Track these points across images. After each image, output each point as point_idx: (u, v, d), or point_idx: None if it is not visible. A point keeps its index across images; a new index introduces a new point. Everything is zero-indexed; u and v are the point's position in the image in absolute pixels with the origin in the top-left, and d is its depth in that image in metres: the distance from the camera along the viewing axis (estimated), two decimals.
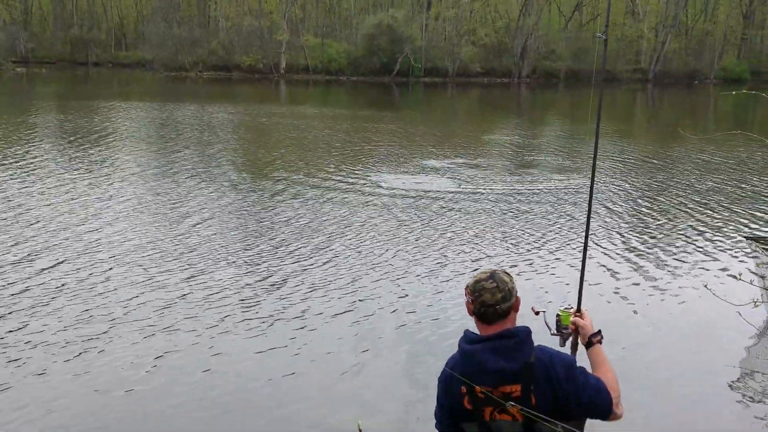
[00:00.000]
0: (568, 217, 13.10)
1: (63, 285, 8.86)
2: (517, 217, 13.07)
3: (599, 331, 3.28)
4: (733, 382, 6.56)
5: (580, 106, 47.77)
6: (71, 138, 22.52)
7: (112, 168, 17.35)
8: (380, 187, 15.62)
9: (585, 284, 3.76)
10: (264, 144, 23.63)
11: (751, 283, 5.60)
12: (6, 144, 20.73)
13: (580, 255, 9.56)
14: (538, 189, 15.85)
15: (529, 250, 10.85)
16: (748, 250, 8.13)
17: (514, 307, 3.06)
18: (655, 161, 20.74)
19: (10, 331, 7.45)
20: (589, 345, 3.26)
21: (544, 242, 11.32)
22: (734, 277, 5.39)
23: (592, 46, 71.03)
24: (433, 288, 9.10)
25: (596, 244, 11.19)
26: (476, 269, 9.66)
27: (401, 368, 6.86)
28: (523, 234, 11.82)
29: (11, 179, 15.42)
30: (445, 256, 10.48)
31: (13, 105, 36.30)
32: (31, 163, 17.78)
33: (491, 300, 3.00)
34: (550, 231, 12.02)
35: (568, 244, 11.20)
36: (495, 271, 3.09)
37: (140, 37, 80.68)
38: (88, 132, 24.13)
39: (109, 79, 61.57)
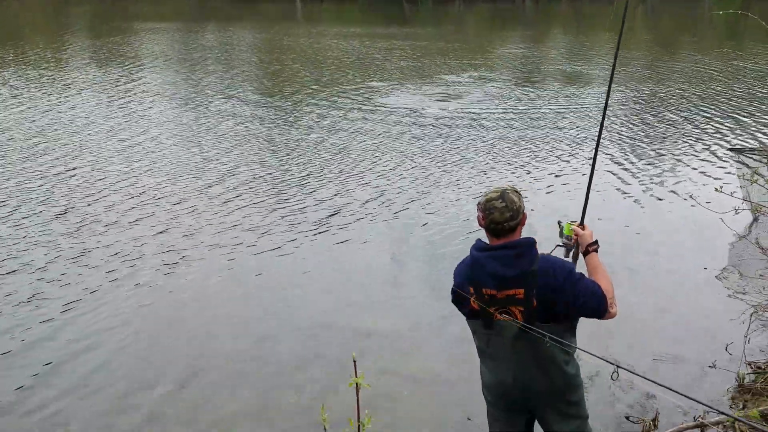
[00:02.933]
0: (579, 129, 13.27)
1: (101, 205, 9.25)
2: (531, 130, 13.24)
3: (596, 241, 3.49)
4: (714, 278, 6.90)
5: (585, 20, 46.81)
6: (104, 61, 22.50)
7: (143, 90, 17.46)
8: (402, 108, 15.68)
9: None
10: (288, 63, 23.53)
11: (731, 194, 5.82)
12: (42, 66, 20.81)
13: (588, 169, 9.87)
14: (550, 100, 15.92)
15: (539, 164, 11.09)
16: (731, 162, 8.31)
17: (521, 223, 3.23)
18: (655, 72, 20.59)
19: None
20: (586, 253, 3.49)
21: (556, 155, 11.52)
22: (717, 189, 5.55)
23: None
24: (448, 198, 9.44)
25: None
26: (487, 184, 9.95)
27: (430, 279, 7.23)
28: (536, 148, 12.02)
29: (45, 99, 15.66)
30: (461, 169, 10.76)
31: (48, 27, 35.97)
32: (64, 84, 17.94)
33: (500, 218, 3.16)
34: (562, 144, 12.21)
35: (577, 158, 11.42)
36: (505, 190, 3.20)
37: None
38: (120, 55, 24.03)
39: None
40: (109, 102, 15.79)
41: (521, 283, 3.10)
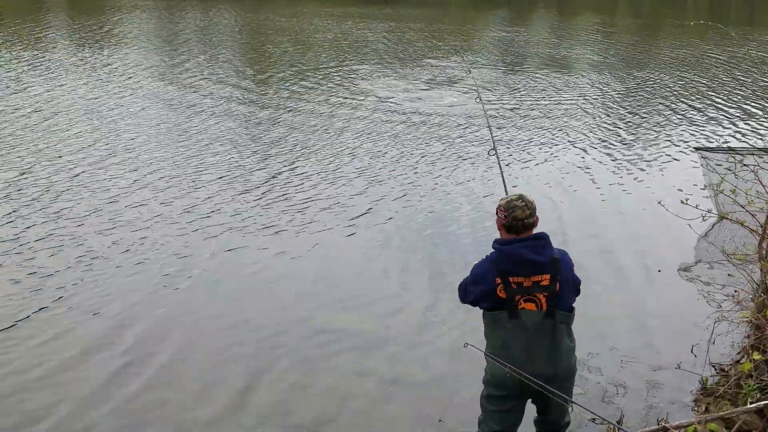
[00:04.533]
0: (565, 119, 13.40)
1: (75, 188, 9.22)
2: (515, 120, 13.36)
3: None
4: (680, 279, 7.10)
5: None
6: (82, 41, 22.22)
7: (125, 72, 17.31)
8: (384, 96, 15.72)
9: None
10: (269, 45, 23.38)
11: (697, 206, 5.98)
12: (20, 44, 20.55)
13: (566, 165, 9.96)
14: (533, 86, 16.03)
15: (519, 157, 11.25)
16: (697, 162, 8.43)
17: (535, 223, 3.77)
18: (631, 61, 20.76)
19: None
20: None
21: (540, 148, 11.69)
22: (683, 202, 5.71)
23: None
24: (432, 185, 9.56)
25: (557, 148, 11.58)
26: (473, 176, 10.10)
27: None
28: (517, 138, 12.17)
29: (25, 78, 15.52)
30: (445, 162, 10.87)
31: (24, 5, 35.37)
32: (42, 63, 17.75)
33: (522, 215, 3.69)
34: (547, 134, 12.36)
35: (563, 153, 11.58)
36: (522, 194, 3.80)
37: None
38: (100, 34, 23.74)
39: None
40: (87, 84, 15.66)
41: (549, 269, 3.66)
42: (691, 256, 7.53)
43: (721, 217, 6.05)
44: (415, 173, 10.32)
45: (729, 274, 6.83)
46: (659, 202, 6.24)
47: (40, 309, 6.33)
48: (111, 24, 26.17)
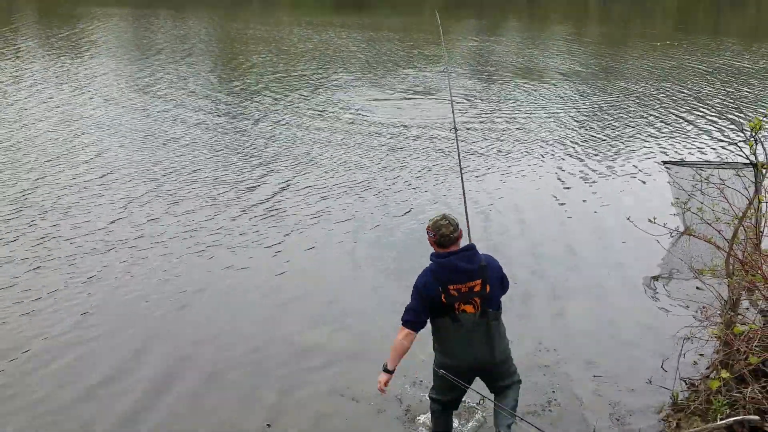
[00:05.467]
0: (540, 130, 13.53)
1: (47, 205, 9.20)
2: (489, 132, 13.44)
3: None
4: (650, 293, 7.23)
5: (538, 4, 47.23)
6: (55, 51, 21.99)
7: (95, 81, 17.17)
8: (360, 107, 15.74)
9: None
10: (244, 54, 23.30)
11: (664, 225, 6.08)
12: None
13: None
14: (506, 95, 16.16)
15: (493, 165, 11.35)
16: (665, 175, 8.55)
17: (460, 236, 4.38)
18: (603, 66, 21.04)
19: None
20: None
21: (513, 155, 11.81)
22: (651, 221, 5.83)
23: None
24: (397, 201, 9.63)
25: (528, 159, 11.72)
26: (449, 187, 10.19)
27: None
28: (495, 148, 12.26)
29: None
30: (425, 173, 10.94)
31: None
32: (11, 76, 17.60)
33: (447, 232, 4.33)
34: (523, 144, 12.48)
35: (538, 161, 11.71)
36: (445, 214, 4.42)
37: None
38: (71, 45, 23.46)
39: None
40: (61, 95, 15.54)
41: (479, 275, 4.29)
42: (661, 270, 7.67)
43: (687, 234, 6.15)
44: (395, 186, 10.38)
45: (698, 287, 6.95)
46: (628, 218, 6.32)
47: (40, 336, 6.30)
48: (84, 34, 25.96)
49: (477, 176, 10.90)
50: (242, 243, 8.30)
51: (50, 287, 7.14)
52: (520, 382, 4.65)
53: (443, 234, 4.32)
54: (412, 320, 4.35)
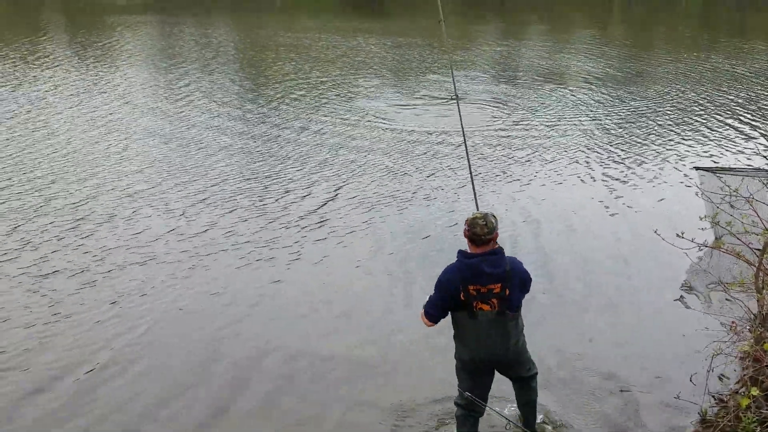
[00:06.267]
0: (564, 138, 13.47)
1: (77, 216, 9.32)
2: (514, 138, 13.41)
3: None
4: (678, 306, 7.20)
5: (558, 8, 46.97)
6: (74, 57, 22.32)
7: (133, 90, 17.38)
8: (384, 114, 15.77)
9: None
10: (269, 61, 23.43)
11: (692, 240, 6.04)
12: (21, 63, 20.64)
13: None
14: (530, 101, 16.10)
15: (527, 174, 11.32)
16: (697, 180, 8.44)
17: (494, 238, 4.52)
18: (626, 72, 20.86)
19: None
20: None
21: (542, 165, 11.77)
22: (679, 235, 5.79)
23: None
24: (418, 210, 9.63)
25: (554, 168, 11.64)
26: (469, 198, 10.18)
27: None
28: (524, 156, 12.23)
29: (30, 94, 15.59)
30: (447, 183, 10.94)
31: (22, 19, 35.47)
32: (45, 80, 17.90)
33: (480, 232, 4.46)
34: (549, 152, 12.44)
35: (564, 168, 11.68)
36: (486, 214, 4.55)
37: None
38: (103, 52, 23.79)
39: None
40: (104, 104, 15.79)
41: (502, 279, 4.44)
42: (689, 283, 7.60)
43: (716, 248, 6.10)
44: (412, 193, 10.39)
45: (727, 299, 6.91)
46: (655, 231, 6.29)
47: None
48: (116, 42, 26.31)
49: (521, 183, 10.92)
50: (289, 256, 8.34)
51: (107, 300, 7.22)
52: (536, 374, 4.93)
53: (475, 233, 4.49)
54: (432, 313, 4.62)
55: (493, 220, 4.54)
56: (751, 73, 21.02)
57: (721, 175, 8.18)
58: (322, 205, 9.89)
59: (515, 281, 4.52)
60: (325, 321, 6.97)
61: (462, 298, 4.46)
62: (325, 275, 7.93)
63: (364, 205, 9.93)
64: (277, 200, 10.10)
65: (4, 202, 9.77)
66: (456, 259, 4.58)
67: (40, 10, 39.34)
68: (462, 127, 6.25)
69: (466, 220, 4.58)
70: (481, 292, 4.44)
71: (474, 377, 4.70)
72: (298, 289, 7.56)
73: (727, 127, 14.44)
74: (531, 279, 4.73)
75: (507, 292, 4.46)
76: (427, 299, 4.65)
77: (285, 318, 7.00)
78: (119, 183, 10.65)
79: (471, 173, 6.01)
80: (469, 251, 4.56)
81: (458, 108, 6.88)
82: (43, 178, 10.79)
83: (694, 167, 9.14)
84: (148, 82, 18.71)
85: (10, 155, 11.90)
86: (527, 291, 4.71)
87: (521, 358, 4.77)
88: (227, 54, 24.42)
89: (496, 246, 4.54)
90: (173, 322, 6.90)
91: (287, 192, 10.41)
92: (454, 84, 8.09)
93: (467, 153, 6.72)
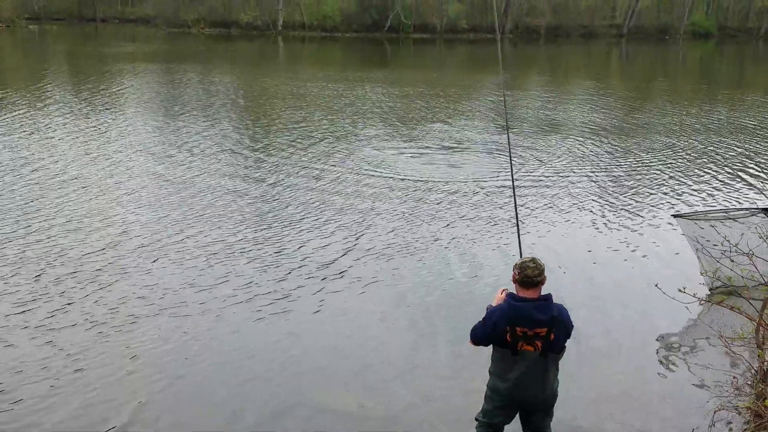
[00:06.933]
0: (563, 183, 13.60)
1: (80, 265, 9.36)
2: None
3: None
4: (678, 360, 7.21)
5: (557, 62, 47.72)
6: (83, 104, 22.65)
7: (124, 140, 17.58)
8: (385, 162, 15.97)
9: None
10: (269, 110, 23.77)
11: (694, 295, 6.09)
12: (24, 107, 20.96)
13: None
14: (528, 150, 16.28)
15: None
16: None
17: (543, 281, 4.71)
18: (622, 123, 21.14)
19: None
20: None
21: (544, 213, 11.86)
22: (681, 290, 5.84)
23: (572, 1, 71.15)
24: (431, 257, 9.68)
25: (558, 214, 11.79)
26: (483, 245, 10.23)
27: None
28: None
29: (31, 139, 15.78)
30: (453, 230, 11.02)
31: (29, 65, 36.11)
32: (45, 124, 18.17)
33: (532, 274, 4.66)
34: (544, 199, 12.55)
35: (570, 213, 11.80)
36: (534, 258, 4.77)
37: None
38: (98, 101, 24.09)
39: (114, 36, 60.79)
40: (88, 152, 15.96)
41: (548, 324, 4.62)
42: (690, 337, 7.61)
43: (717, 303, 6.16)
44: (426, 245, 10.42)
45: (726, 352, 6.91)
46: (656, 285, 6.34)
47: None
48: (118, 89, 26.70)
49: (539, 233, 11.02)
50: (309, 308, 8.27)
51: (126, 354, 7.08)
52: (552, 417, 5.05)
53: (527, 275, 4.67)
54: (479, 339, 4.83)
55: (541, 263, 4.74)
56: (755, 124, 21.34)
57: (695, 221, 8.28)
58: (342, 255, 9.84)
59: (561, 328, 4.69)
60: (344, 374, 6.88)
61: (508, 339, 4.65)
62: (345, 328, 7.83)
63: (382, 256, 9.92)
64: (297, 249, 10.07)
65: (24, 251, 9.81)
66: (505, 301, 4.77)
67: (47, 58, 40.05)
68: (512, 175, 6.32)
69: (515, 265, 4.76)
70: (527, 334, 4.62)
71: (500, 410, 4.89)
72: (317, 342, 7.48)
73: (736, 178, 14.63)
74: (573, 326, 4.86)
75: (552, 336, 4.65)
76: (478, 324, 4.83)
77: (306, 373, 6.87)
78: (135, 232, 10.64)
79: (518, 223, 6.08)
80: (518, 294, 4.74)
81: (508, 149, 6.96)
82: (60, 226, 10.80)
83: (672, 215, 9.23)
84: (159, 130, 18.93)
85: (28, 203, 11.99)
86: (569, 336, 4.83)
87: (550, 405, 4.92)
88: (237, 103, 24.81)
89: (541, 290, 4.73)
90: (195, 378, 6.75)
91: (307, 241, 10.38)
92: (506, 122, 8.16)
93: (515, 198, 6.78)
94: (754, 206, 8.18)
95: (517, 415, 5.01)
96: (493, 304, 4.93)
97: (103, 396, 6.38)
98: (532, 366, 4.68)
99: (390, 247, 10.22)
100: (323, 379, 6.76)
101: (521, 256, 5.31)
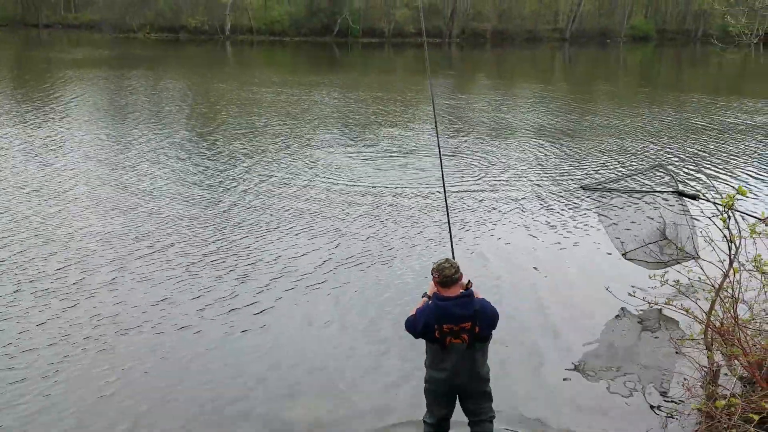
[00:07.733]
0: (509, 187, 13.70)
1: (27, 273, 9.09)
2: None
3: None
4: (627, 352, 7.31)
5: (504, 66, 48.33)
6: (36, 113, 22.00)
7: (70, 146, 17.13)
8: (336, 168, 15.90)
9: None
10: (227, 116, 23.44)
11: (644, 299, 6.18)
12: None
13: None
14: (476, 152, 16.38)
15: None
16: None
17: (460, 278, 5.05)
18: (572, 126, 21.49)
19: None
20: None
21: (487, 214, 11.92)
22: (631, 294, 5.90)
23: (516, 6, 72.25)
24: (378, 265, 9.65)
25: (502, 216, 11.87)
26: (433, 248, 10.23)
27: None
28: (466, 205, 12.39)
29: None
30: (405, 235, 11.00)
31: None
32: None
33: (449, 273, 5.01)
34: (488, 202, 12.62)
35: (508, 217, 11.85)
36: (448, 258, 5.17)
37: None
38: (45, 107, 23.44)
39: (60, 42, 59.40)
40: (35, 158, 15.52)
41: (471, 318, 4.98)
42: (640, 338, 7.65)
43: (668, 305, 6.26)
44: (369, 249, 10.38)
45: (677, 352, 7.02)
46: (607, 289, 6.41)
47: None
48: (55, 95, 26.01)
49: (484, 233, 11.05)
50: (286, 321, 8.13)
51: (104, 378, 6.81)
52: (493, 418, 5.31)
53: (446, 275, 5.02)
54: (411, 332, 5.15)
55: (455, 262, 5.10)
56: (705, 125, 21.90)
57: (605, 194, 8.46)
58: (320, 266, 9.73)
59: (485, 320, 5.04)
60: (330, 389, 6.74)
61: (437, 335, 5.00)
62: (318, 337, 7.72)
63: (349, 265, 9.82)
64: (267, 264, 9.84)
65: None
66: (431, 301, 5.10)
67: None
68: (443, 186, 6.32)
69: (433, 269, 5.10)
70: (453, 329, 4.98)
71: (439, 399, 5.23)
72: (297, 355, 7.33)
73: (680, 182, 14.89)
74: (498, 316, 5.18)
75: (477, 329, 5.00)
76: (410, 318, 5.14)
77: (289, 389, 6.72)
78: (96, 251, 10.21)
79: (450, 227, 6.09)
80: (441, 294, 5.05)
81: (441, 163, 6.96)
82: (26, 241, 10.46)
83: (581, 186, 9.39)
84: (119, 139, 18.43)
85: None
86: (494, 327, 5.17)
87: (483, 389, 5.24)
88: (195, 110, 24.39)
89: (460, 286, 5.05)
90: (179, 398, 6.53)
91: (277, 257, 10.11)
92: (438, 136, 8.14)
93: (447, 205, 6.76)
94: (669, 189, 8.35)
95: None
96: (420, 306, 5.19)
97: (88, 420, 6.13)
98: (462, 356, 5.04)
99: (356, 257, 10.13)
100: (302, 394, 6.62)
101: (453, 255, 5.87)
